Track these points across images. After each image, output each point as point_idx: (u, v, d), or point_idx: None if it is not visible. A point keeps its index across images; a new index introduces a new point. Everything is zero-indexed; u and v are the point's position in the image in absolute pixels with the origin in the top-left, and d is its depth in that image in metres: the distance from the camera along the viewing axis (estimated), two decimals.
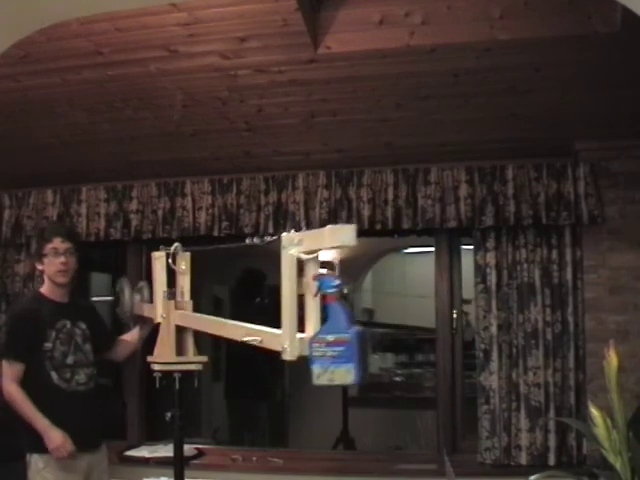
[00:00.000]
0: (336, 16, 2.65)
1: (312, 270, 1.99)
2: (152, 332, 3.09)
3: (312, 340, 1.93)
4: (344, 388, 5.20)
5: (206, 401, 6.05)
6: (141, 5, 2.42)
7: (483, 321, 3.71)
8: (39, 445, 3.01)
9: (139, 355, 3.50)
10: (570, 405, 3.57)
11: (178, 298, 2.91)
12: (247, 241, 2.45)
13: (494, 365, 3.66)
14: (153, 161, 3.95)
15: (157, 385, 2.83)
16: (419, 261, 7.27)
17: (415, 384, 7.29)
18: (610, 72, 2.78)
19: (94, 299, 4.01)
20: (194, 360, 2.86)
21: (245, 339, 2.25)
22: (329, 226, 1.93)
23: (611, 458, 1.75)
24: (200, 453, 3.66)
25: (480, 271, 3.73)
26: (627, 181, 3.59)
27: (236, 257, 5.83)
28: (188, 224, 4.00)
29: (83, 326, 3.26)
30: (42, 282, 3.31)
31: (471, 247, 3.80)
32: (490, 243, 3.71)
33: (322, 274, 1.96)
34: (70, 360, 3.17)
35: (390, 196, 3.80)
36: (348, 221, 3.81)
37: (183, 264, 2.92)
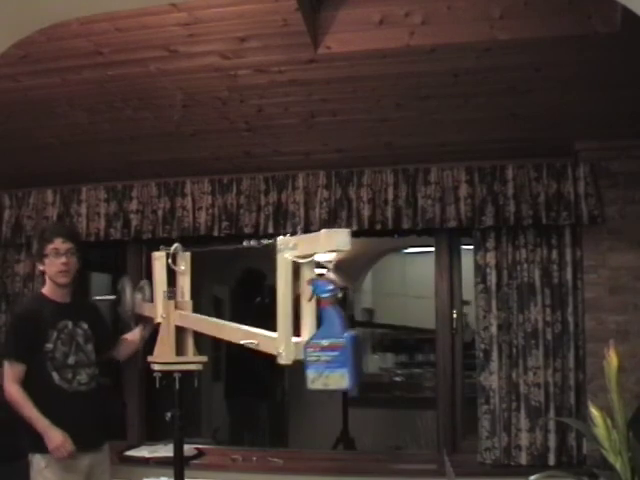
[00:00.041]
0: (336, 16, 2.65)
1: (307, 274, 1.99)
2: (153, 332, 3.09)
3: (306, 345, 1.93)
4: None
5: (206, 401, 6.05)
6: (141, 5, 2.42)
7: (483, 321, 3.71)
8: (40, 445, 3.01)
9: (139, 355, 3.50)
10: (570, 405, 3.57)
11: (178, 298, 2.91)
12: (244, 243, 2.45)
13: (494, 365, 3.66)
14: (153, 161, 3.95)
15: (157, 385, 2.83)
16: (419, 261, 7.27)
17: (415, 384, 7.29)
18: (610, 72, 2.78)
19: (96, 298, 4.01)
20: (194, 360, 2.86)
21: (242, 342, 2.26)
22: (324, 230, 1.93)
23: (611, 458, 1.74)
24: (200, 453, 3.66)
25: (480, 271, 3.73)
26: (627, 181, 3.59)
27: (236, 257, 5.83)
28: (188, 224, 4.00)
29: (85, 326, 3.26)
30: (43, 282, 3.31)
31: (471, 247, 3.80)
32: (490, 243, 3.71)
33: (316, 278, 1.96)
34: (71, 360, 3.17)
35: (390, 196, 3.80)
36: (348, 221, 3.81)
37: (183, 264, 2.92)
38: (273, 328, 2.10)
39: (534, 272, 3.65)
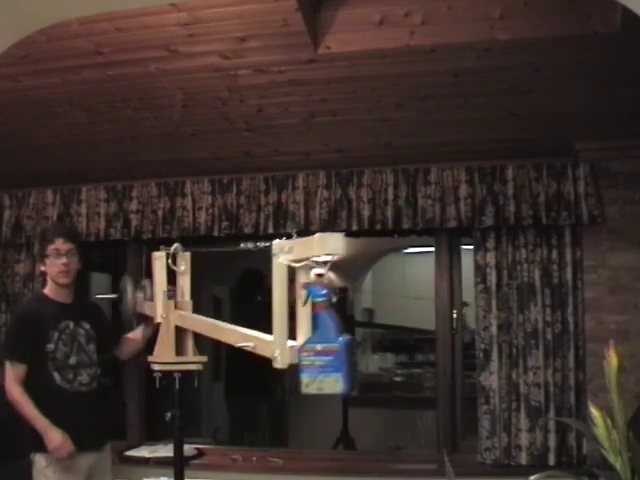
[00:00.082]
0: (336, 16, 2.65)
1: (302, 278, 1.99)
2: (155, 331, 3.09)
3: (300, 349, 1.94)
4: None
5: (206, 401, 6.05)
6: (141, 5, 2.42)
7: (483, 321, 3.71)
8: (41, 444, 3.03)
9: (140, 355, 3.50)
10: (570, 405, 3.57)
11: (178, 298, 2.91)
12: (242, 245, 2.46)
13: (494, 365, 3.66)
14: (153, 161, 3.95)
15: (157, 385, 2.83)
16: (419, 261, 7.27)
17: (415, 384, 7.29)
18: (610, 72, 2.78)
19: (97, 296, 4.01)
20: (194, 360, 2.86)
21: (239, 344, 2.26)
22: (318, 234, 1.93)
23: (611, 458, 1.75)
24: (200, 453, 3.66)
25: (480, 271, 3.73)
26: (627, 181, 3.59)
27: (236, 257, 5.83)
28: (188, 224, 4.00)
29: (87, 326, 3.26)
30: (45, 283, 3.32)
31: (471, 247, 3.80)
32: (490, 243, 3.71)
33: (310, 283, 1.96)
34: (72, 361, 3.17)
35: (390, 196, 3.80)
36: (348, 221, 3.81)
37: (183, 264, 2.92)
38: (273, 329, 2.10)
39: (534, 272, 3.65)
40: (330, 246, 1.87)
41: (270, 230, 3.88)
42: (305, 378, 1.91)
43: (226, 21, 2.52)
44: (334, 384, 1.89)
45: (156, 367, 2.83)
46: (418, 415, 5.79)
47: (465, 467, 3.64)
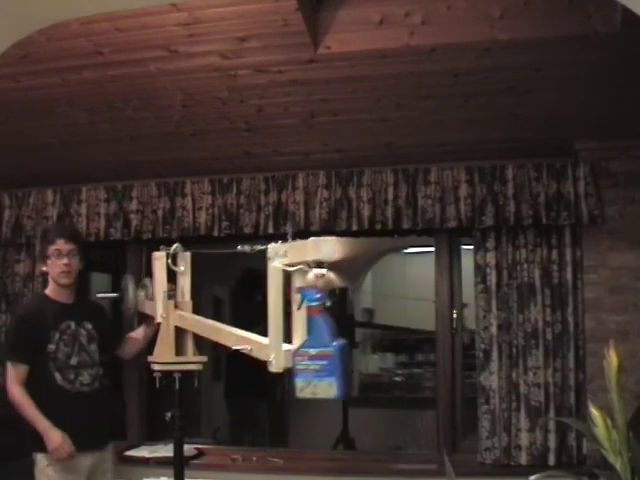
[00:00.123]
0: (336, 16, 2.65)
1: (298, 282, 1.99)
2: (157, 330, 3.09)
3: (295, 353, 1.94)
4: None
5: (206, 401, 6.05)
6: (141, 5, 2.42)
7: (483, 321, 3.71)
8: (42, 444, 3.04)
9: (140, 355, 3.50)
10: (570, 405, 3.57)
11: (178, 298, 2.91)
12: (239, 247, 2.47)
13: (494, 365, 3.66)
14: (153, 161, 3.95)
15: (157, 385, 2.84)
16: (419, 261, 7.27)
17: (415, 384, 7.29)
18: (610, 72, 2.78)
19: (99, 295, 4.01)
20: (194, 360, 2.86)
21: (236, 347, 2.27)
22: (312, 238, 1.93)
23: (611, 458, 1.74)
24: (200, 453, 3.66)
25: (480, 271, 3.73)
26: (627, 181, 3.59)
27: (236, 257, 5.81)
28: (188, 224, 4.00)
29: (89, 326, 3.27)
30: (46, 283, 3.32)
31: (471, 247, 3.80)
32: (490, 243, 3.71)
33: (304, 287, 1.96)
34: (74, 361, 3.18)
35: (390, 196, 3.79)
36: (348, 221, 3.81)
37: (183, 264, 2.92)
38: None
39: (534, 272, 3.65)
40: (323, 251, 1.88)
41: (270, 230, 3.88)
42: (299, 382, 1.92)
43: (226, 21, 2.52)
44: (328, 389, 1.89)
45: (156, 367, 2.83)
46: (418, 415, 5.79)
47: (465, 467, 3.63)
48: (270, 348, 2.05)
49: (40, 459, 3.07)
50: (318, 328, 1.91)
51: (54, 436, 3.01)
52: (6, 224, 4.25)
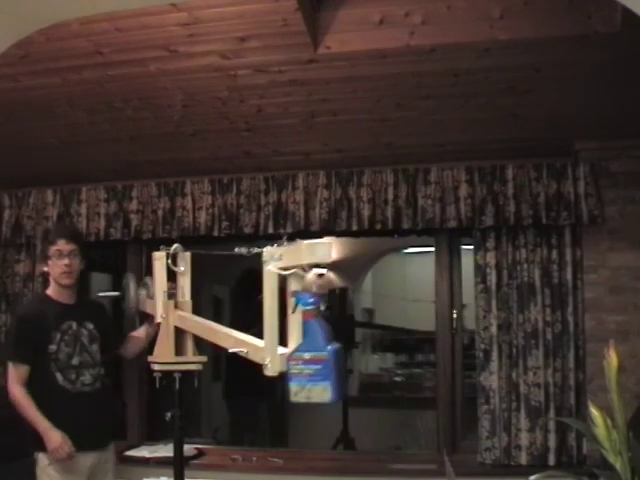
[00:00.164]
0: (336, 16, 2.65)
1: (293, 285, 1.99)
2: (158, 329, 3.09)
3: (289, 357, 1.93)
4: None
5: (206, 401, 6.05)
6: (141, 5, 2.42)
7: (483, 321, 3.71)
8: (44, 444, 3.04)
9: (140, 355, 3.49)
10: (570, 405, 3.57)
11: (178, 298, 2.91)
12: (236, 250, 2.47)
13: (494, 365, 3.66)
14: (153, 161, 3.95)
15: (157, 385, 2.83)
16: (419, 261, 7.27)
17: (415, 384, 7.30)
18: (610, 72, 2.78)
19: (100, 294, 4.01)
20: (194, 360, 2.86)
21: (232, 350, 2.26)
22: (306, 241, 1.92)
23: (611, 458, 1.74)
24: (200, 453, 3.66)
25: (480, 271, 3.73)
26: (627, 181, 3.59)
27: (236, 257, 5.83)
28: (188, 224, 4.00)
29: (90, 326, 3.27)
30: (47, 283, 3.32)
31: (471, 247, 3.80)
32: (490, 243, 3.71)
33: (299, 291, 1.95)
34: (75, 361, 3.18)
35: (390, 196, 3.79)
36: (348, 221, 3.81)
37: (183, 264, 2.92)
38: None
39: (534, 272, 3.65)
40: (318, 254, 1.87)
41: (270, 230, 3.88)
42: (294, 387, 1.91)
43: (226, 21, 2.52)
44: (322, 393, 1.88)
45: (156, 367, 2.83)
46: (418, 415, 5.80)
47: (465, 467, 3.63)
48: (265, 352, 2.04)
49: (41, 458, 3.08)
50: (313, 332, 1.90)
51: (54, 437, 3.01)
52: (6, 224, 4.25)
